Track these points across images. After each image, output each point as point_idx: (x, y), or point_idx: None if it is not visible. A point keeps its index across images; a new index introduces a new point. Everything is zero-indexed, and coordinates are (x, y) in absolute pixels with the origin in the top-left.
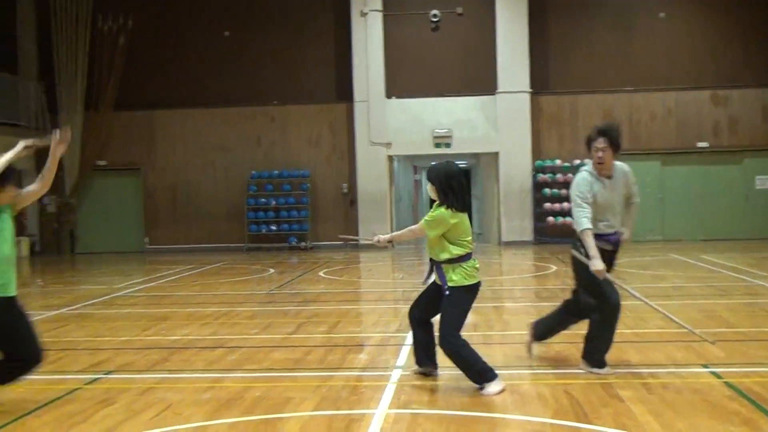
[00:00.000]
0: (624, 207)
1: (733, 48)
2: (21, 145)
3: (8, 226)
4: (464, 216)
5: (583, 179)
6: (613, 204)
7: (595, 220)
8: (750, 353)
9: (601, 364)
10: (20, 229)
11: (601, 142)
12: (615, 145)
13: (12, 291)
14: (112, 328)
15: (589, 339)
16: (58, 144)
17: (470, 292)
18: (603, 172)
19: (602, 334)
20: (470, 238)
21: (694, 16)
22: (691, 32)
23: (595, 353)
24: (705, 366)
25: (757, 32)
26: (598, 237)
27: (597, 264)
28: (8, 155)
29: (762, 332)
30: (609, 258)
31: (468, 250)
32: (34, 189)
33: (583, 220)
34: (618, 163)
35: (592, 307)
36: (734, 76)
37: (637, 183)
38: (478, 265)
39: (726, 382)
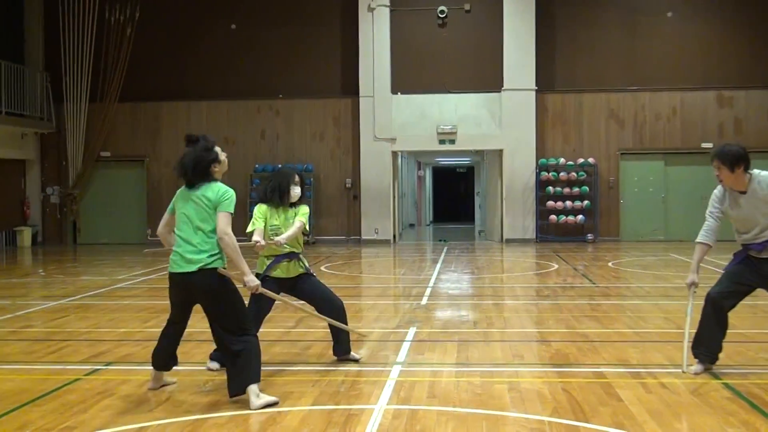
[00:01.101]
0: None
1: (740, 49)
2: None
3: None
4: None
5: (714, 194)
6: (749, 216)
7: (737, 233)
8: (750, 355)
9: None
10: (23, 219)
11: (715, 164)
12: (729, 165)
13: None
14: (112, 319)
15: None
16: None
17: None
18: (733, 188)
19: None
20: None
21: (701, 16)
22: (698, 32)
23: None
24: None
25: (764, 33)
26: (746, 247)
27: (689, 277)
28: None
29: (762, 334)
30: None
31: None
32: None
33: (701, 232)
34: (762, 175)
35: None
36: (740, 77)
37: None
38: None
39: (725, 383)
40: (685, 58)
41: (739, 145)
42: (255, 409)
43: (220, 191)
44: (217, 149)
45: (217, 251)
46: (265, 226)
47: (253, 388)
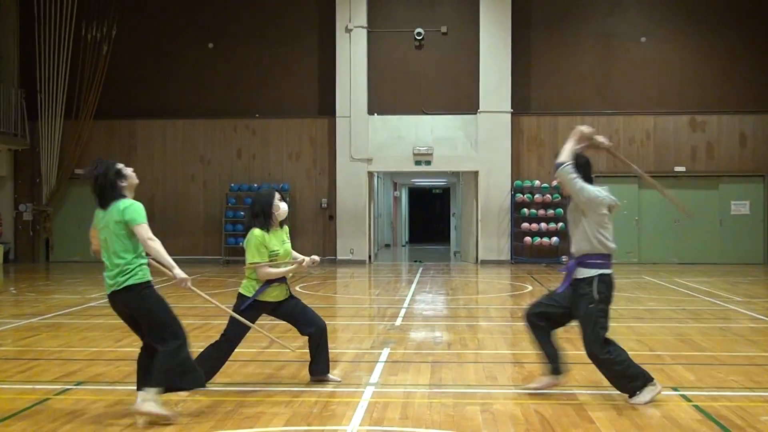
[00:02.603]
0: None
1: (712, 74)
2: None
3: None
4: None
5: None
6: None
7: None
8: (720, 377)
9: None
10: None
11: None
12: None
13: None
14: (84, 338)
15: None
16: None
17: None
18: None
19: None
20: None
21: (674, 41)
22: (671, 57)
23: None
24: (675, 389)
25: (736, 59)
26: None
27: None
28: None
29: (733, 356)
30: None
31: None
32: None
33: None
34: None
35: None
36: (713, 102)
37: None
38: None
39: (695, 406)
40: (659, 83)
41: (583, 156)
42: (135, 412)
43: (121, 209)
44: (119, 166)
45: (129, 268)
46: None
47: (148, 392)
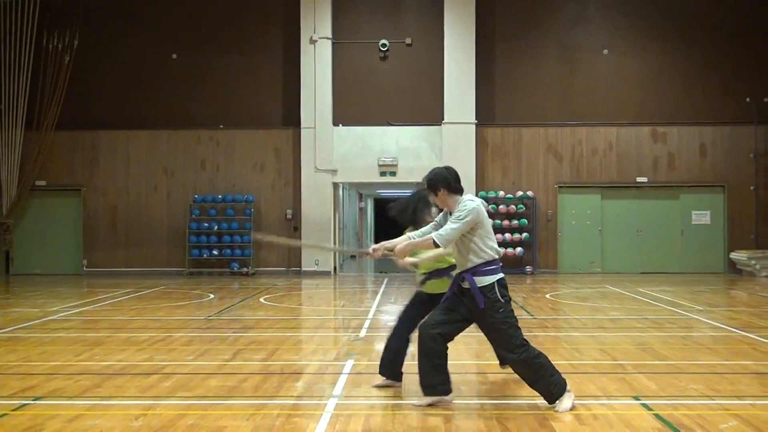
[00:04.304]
0: None
1: (673, 86)
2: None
3: None
4: None
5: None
6: None
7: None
8: (681, 386)
9: None
10: None
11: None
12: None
13: None
14: (44, 352)
15: None
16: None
17: None
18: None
19: None
20: None
21: (636, 53)
22: (633, 69)
23: None
24: (636, 398)
25: (696, 71)
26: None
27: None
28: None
29: (693, 365)
30: None
31: None
32: None
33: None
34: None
35: None
36: (673, 114)
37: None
38: None
39: (656, 414)
40: (621, 94)
41: (447, 168)
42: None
43: None
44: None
45: None
46: None
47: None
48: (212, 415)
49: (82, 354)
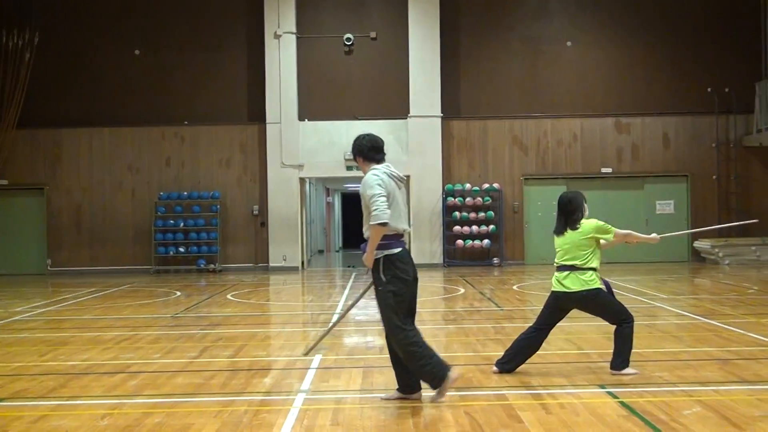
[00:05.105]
0: None
1: (636, 77)
2: None
3: None
4: None
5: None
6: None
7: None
8: (645, 374)
9: None
10: None
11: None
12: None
13: None
14: (7, 353)
15: None
16: None
17: None
18: None
19: None
20: None
21: (599, 45)
22: (597, 61)
23: None
24: (602, 386)
25: (658, 62)
26: None
27: None
28: None
29: (658, 353)
30: None
31: None
32: None
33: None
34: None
35: None
36: (637, 104)
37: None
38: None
39: (621, 402)
40: (585, 86)
41: (368, 136)
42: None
43: None
44: None
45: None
46: None
47: None
48: (179, 413)
49: (47, 354)
